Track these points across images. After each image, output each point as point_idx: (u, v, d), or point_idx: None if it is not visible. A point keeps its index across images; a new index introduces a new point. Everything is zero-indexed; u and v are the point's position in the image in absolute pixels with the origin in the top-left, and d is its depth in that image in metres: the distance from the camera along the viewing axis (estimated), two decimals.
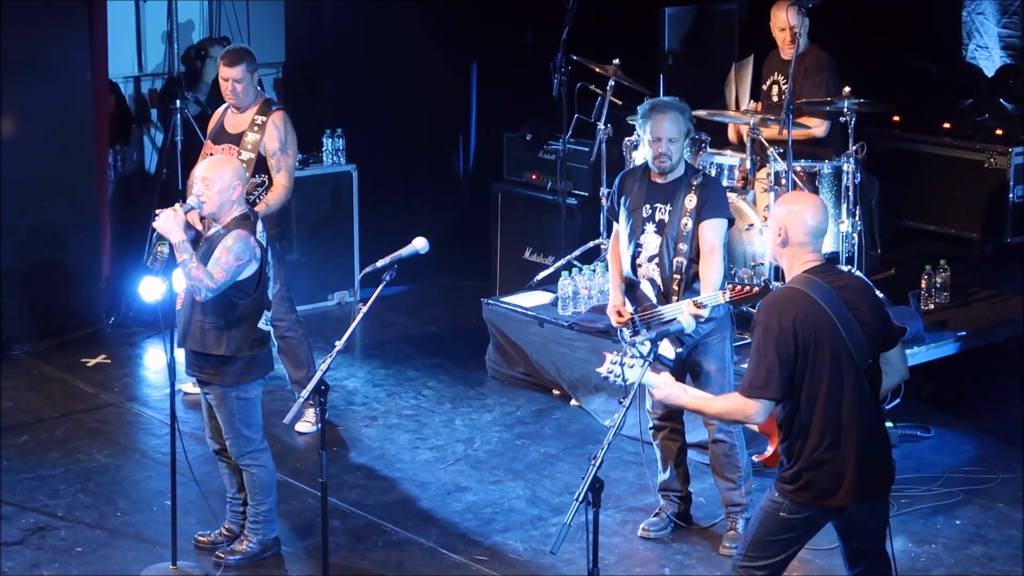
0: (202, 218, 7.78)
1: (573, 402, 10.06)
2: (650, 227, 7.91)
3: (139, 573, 7.79)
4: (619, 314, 7.99)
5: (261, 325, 7.70)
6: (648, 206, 7.92)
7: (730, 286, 7.37)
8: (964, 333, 10.04)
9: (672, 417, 8.21)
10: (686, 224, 7.80)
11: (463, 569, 7.91)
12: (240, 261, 7.50)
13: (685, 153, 8.02)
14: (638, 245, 7.94)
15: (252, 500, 7.90)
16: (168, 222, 7.48)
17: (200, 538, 8.05)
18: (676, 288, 7.82)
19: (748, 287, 7.21)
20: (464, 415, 9.98)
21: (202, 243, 7.67)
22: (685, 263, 7.80)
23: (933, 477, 8.92)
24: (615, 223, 8.17)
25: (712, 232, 7.80)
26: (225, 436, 7.78)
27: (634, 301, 8.00)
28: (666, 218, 7.86)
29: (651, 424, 8.26)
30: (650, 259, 7.93)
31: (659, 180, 7.93)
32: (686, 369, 7.99)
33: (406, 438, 9.60)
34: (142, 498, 8.62)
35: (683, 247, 7.80)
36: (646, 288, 7.92)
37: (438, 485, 8.92)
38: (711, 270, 7.77)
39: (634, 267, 7.98)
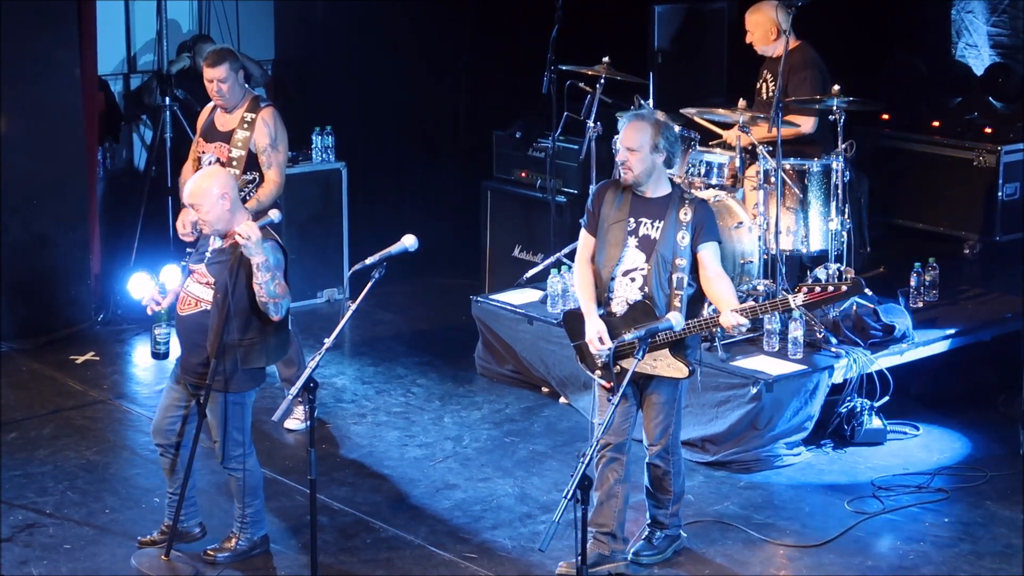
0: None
1: (562, 400, 10.06)
2: (632, 241, 7.54)
3: (129, 564, 7.81)
4: (602, 340, 7.50)
5: (291, 327, 7.81)
6: (632, 219, 7.55)
7: (804, 287, 7.18)
8: (953, 331, 10.05)
9: (617, 447, 7.72)
10: (683, 237, 7.45)
11: (452, 566, 7.91)
12: (282, 268, 7.51)
13: (676, 167, 7.85)
14: (617, 258, 7.56)
15: (239, 503, 7.87)
16: (256, 248, 7.35)
17: (142, 540, 7.97)
18: (678, 304, 7.43)
19: (831, 287, 7.04)
20: (453, 412, 9.98)
21: (219, 255, 7.57)
22: (686, 279, 7.46)
23: (922, 475, 8.94)
24: (586, 235, 7.74)
25: (714, 257, 7.50)
26: (215, 438, 7.76)
27: (611, 324, 7.53)
28: (653, 233, 7.50)
29: (610, 446, 7.81)
30: (626, 273, 7.54)
31: (646, 194, 7.56)
32: (639, 393, 7.69)
33: (395, 435, 9.60)
34: (131, 495, 8.61)
35: (681, 262, 7.46)
36: (634, 310, 7.50)
37: (427, 483, 8.92)
38: (725, 288, 7.46)
39: (609, 281, 7.58)
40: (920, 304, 10.44)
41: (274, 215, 7.59)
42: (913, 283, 10.48)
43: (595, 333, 7.51)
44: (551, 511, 7.95)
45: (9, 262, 10.94)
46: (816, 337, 9.54)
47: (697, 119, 10.28)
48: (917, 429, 9.57)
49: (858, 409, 9.38)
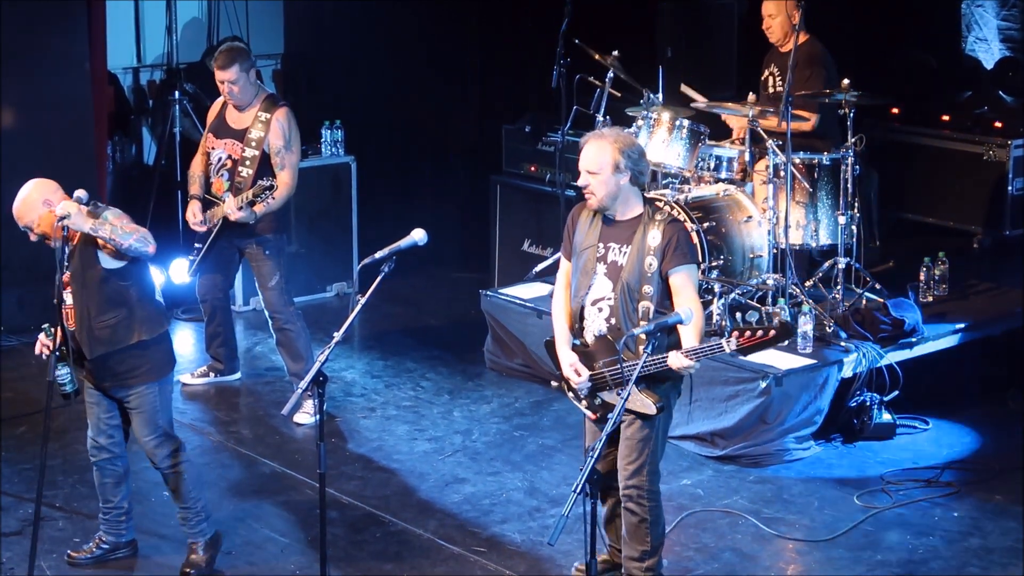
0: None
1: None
2: (601, 268, 7.06)
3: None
4: (578, 373, 7.12)
5: (158, 298, 7.60)
6: (601, 244, 7.08)
7: (735, 332, 6.73)
8: (963, 326, 10.04)
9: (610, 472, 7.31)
10: (651, 264, 6.93)
11: (461, 560, 7.91)
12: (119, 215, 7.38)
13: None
14: (587, 286, 7.11)
15: (187, 500, 7.71)
16: (79, 218, 7.29)
17: (73, 554, 7.87)
18: (644, 337, 6.77)
19: (760, 331, 6.65)
20: (462, 406, 9.98)
21: (75, 259, 7.47)
22: (653, 308, 6.94)
23: (931, 469, 8.93)
24: (564, 260, 7.30)
25: (687, 281, 6.94)
26: (146, 437, 7.62)
27: (586, 356, 7.15)
28: (620, 259, 7.01)
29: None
30: (594, 302, 7.08)
31: (616, 217, 7.07)
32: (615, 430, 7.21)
33: (404, 429, 9.61)
34: (140, 489, 8.60)
35: (649, 290, 6.94)
36: (601, 343, 7.09)
37: (436, 476, 8.92)
38: (689, 323, 6.82)
39: (580, 310, 7.16)
40: (930, 298, 10.44)
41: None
42: (922, 277, 10.47)
43: (569, 368, 7.15)
44: (560, 505, 7.94)
45: (18, 256, 10.95)
46: (826, 331, 9.54)
47: (706, 107, 10.27)
48: (927, 423, 9.57)
49: (868, 403, 9.37)
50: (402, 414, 9.86)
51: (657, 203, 7.50)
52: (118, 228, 7.31)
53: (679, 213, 9.63)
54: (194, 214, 9.65)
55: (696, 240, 9.50)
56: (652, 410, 6.97)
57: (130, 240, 7.31)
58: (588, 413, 7.24)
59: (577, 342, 7.20)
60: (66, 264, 7.47)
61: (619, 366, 6.94)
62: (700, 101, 10.46)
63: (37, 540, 7.48)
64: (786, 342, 7.00)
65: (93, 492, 8.49)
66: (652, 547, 7.24)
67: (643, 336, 6.72)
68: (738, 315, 9.33)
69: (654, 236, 6.96)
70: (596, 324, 7.11)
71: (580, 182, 7.07)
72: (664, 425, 7.16)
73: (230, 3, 12.78)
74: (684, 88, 10.55)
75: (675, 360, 6.79)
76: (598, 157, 6.98)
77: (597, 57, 10.62)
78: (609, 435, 6.50)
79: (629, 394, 6.59)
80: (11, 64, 10.77)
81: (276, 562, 7.89)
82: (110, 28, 11.66)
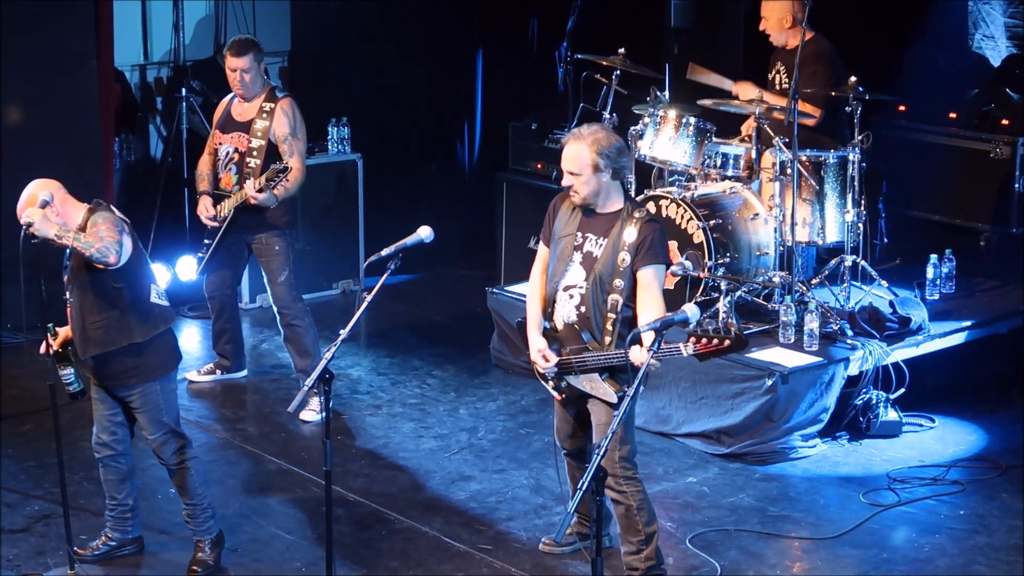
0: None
1: None
2: (577, 257, 7.25)
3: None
4: (545, 359, 7.28)
5: (155, 300, 7.53)
6: (580, 234, 7.27)
7: (692, 338, 6.75)
8: (969, 323, 10.04)
9: (578, 451, 7.71)
10: (623, 260, 7.10)
11: (467, 558, 7.91)
12: (117, 227, 7.36)
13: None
14: (563, 272, 7.29)
15: (193, 497, 7.71)
16: (43, 224, 7.33)
17: (79, 551, 7.82)
18: (610, 328, 7.11)
19: (716, 340, 6.66)
20: (468, 404, 9.98)
21: (75, 257, 7.46)
22: (621, 302, 7.12)
23: (937, 467, 8.92)
24: (543, 246, 7.51)
25: (654, 279, 7.11)
26: (152, 435, 7.62)
27: (555, 340, 7.31)
28: (595, 251, 7.19)
29: (564, 450, 7.78)
30: (567, 288, 7.25)
31: (597, 209, 7.25)
32: (581, 412, 7.48)
33: (410, 427, 9.61)
34: (146, 486, 8.61)
35: (619, 283, 7.11)
36: (569, 330, 7.27)
37: (442, 474, 8.92)
38: (650, 319, 6.87)
39: (553, 294, 7.33)
40: (936, 296, 10.43)
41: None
42: (929, 275, 10.46)
43: (536, 353, 7.31)
44: (566, 502, 7.95)
45: (25, 253, 10.93)
46: (832, 329, 9.53)
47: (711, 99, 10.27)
48: (933, 421, 9.56)
49: (874, 401, 9.37)
50: (408, 411, 9.86)
51: (639, 199, 7.57)
52: (81, 237, 7.30)
53: (682, 209, 9.64)
54: (207, 208, 9.66)
55: (703, 237, 9.53)
56: (612, 399, 7.11)
57: (91, 250, 7.27)
58: (554, 394, 7.42)
59: (548, 325, 7.36)
60: (67, 262, 7.50)
61: (584, 355, 7.16)
62: (711, 77, 10.44)
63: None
64: (742, 352, 7.07)
65: (98, 489, 8.51)
66: (646, 535, 7.33)
67: (650, 332, 6.75)
68: (694, 325, 9.33)
69: (630, 233, 7.12)
70: (566, 310, 7.27)
71: (564, 182, 7.24)
72: (629, 412, 7.26)
73: (237, 1, 12.78)
74: (693, 70, 10.54)
75: (635, 355, 6.87)
76: (577, 159, 7.14)
77: (605, 63, 10.58)
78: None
79: (636, 390, 6.57)
80: (18, 61, 10.78)
81: (282, 559, 7.89)
82: (117, 25, 11.66)
